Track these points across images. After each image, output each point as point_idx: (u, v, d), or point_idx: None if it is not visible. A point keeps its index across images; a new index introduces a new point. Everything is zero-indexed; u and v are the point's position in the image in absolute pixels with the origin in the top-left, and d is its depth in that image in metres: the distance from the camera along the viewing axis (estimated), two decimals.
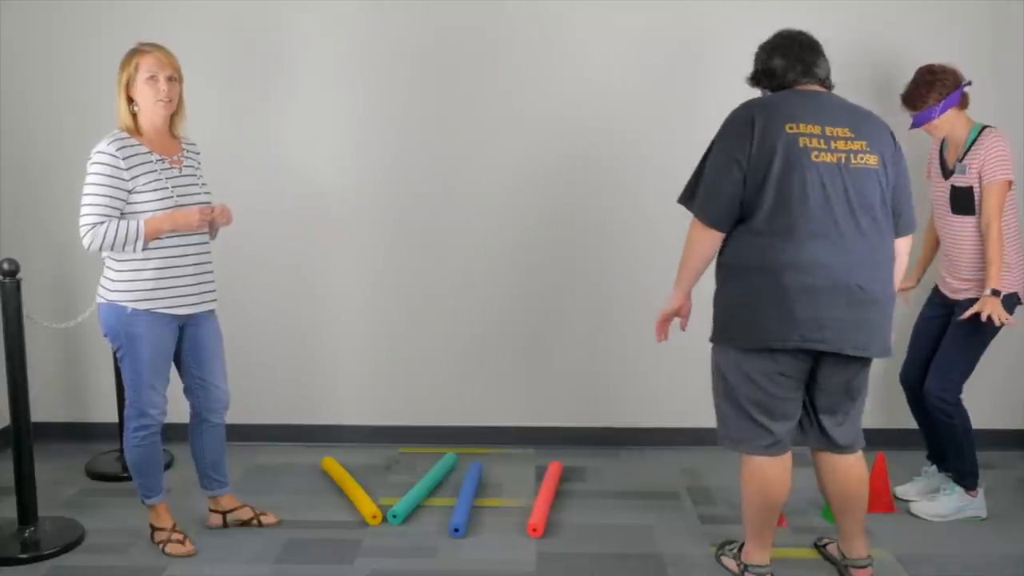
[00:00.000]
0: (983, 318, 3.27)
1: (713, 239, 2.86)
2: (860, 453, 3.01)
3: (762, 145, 2.74)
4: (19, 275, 3.31)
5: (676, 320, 3.14)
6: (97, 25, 4.10)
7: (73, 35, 4.13)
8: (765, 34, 3.01)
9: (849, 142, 2.77)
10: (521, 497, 3.78)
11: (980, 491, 3.57)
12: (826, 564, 3.22)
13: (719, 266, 2.91)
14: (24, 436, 3.36)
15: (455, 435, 4.33)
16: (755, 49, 3.01)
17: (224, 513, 3.49)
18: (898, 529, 3.46)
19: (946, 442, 3.57)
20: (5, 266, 3.27)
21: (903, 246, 2.93)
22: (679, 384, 4.28)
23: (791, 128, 2.75)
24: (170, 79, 3.12)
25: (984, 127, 3.42)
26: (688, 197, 2.91)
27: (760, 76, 2.98)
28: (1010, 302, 3.41)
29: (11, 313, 3.29)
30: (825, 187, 2.72)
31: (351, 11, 4.11)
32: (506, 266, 4.25)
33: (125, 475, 3.92)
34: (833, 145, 2.76)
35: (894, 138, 2.90)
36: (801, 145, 2.74)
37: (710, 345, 2.98)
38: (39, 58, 4.16)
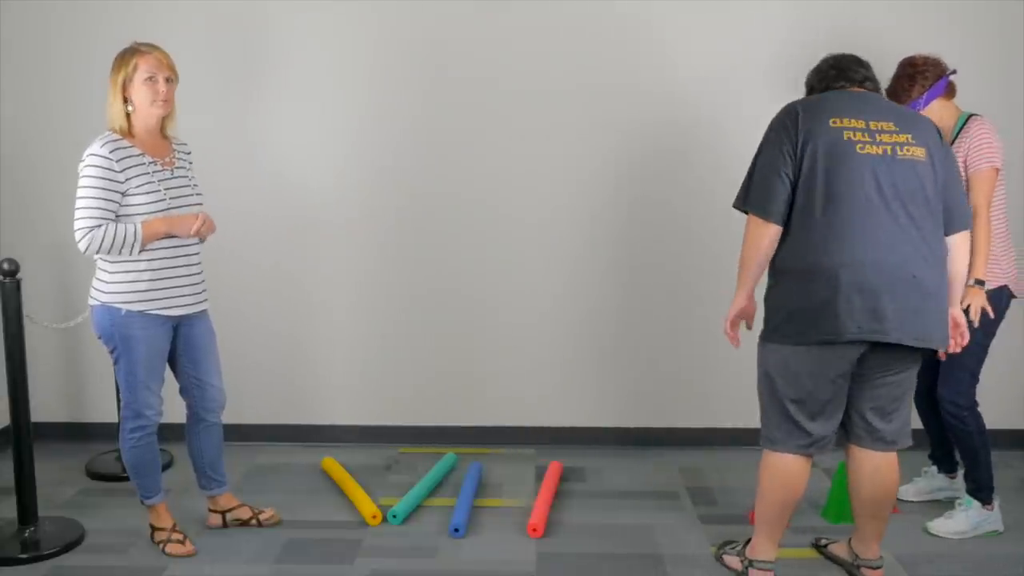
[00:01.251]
0: (971, 313, 3.22)
1: (771, 234, 2.84)
2: (896, 455, 2.98)
3: (807, 140, 2.76)
4: (19, 275, 3.31)
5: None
6: (96, 26, 4.10)
7: (72, 36, 4.13)
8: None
9: (894, 135, 2.78)
10: (521, 497, 3.78)
11: (996, 503, 3.50)
12: (828, 564, 3.22)
13: (771, 270, 2.89)
14: (24, 436, 3.36)
15: (455, 435, 4.33)
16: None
17: (223, 512, 3.49)
18: (898, 529, 3.46)
19: (961, 451, 3.50)
20: (5, 266, 3.27)
21: (961, 241, 2.90)
22: (679, 384, 4.28)
23: (835, 122, 2.77)
24: (167, 80, 3.12)
25: (971, 116, 3.40)
26: (743, 199, 2.92)
27: (808, 94, 3.05)
28: (1000, 296, 3.37)
29: (11, 313, 3.30)
30: (875, 179, 2.73)
31: (345, 13, 4.10)
32: (506, 266, 4.25)
33: (125, 475, 3.90)
34: (878, 138, 2.77)
35: (941, 136, 2.91)
36: (846, 138, 2.75)
37: (757, 343, 2.95)
38: (38, 58, 4.16)
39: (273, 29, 4.12)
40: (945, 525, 3.47)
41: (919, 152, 2.79)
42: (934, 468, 3.72)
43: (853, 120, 2.79)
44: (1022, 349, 4.22)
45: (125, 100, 3.10)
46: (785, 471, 2.92)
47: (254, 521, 3.49)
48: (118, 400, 4.03)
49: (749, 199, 2.88)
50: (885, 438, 2.94)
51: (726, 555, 3.20)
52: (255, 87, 4.17)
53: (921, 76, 3.36)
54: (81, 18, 4.12)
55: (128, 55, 3.10)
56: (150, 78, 3.08)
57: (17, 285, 3.31)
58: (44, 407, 4.09)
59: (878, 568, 3.06)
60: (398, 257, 4.26)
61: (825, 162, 2.74)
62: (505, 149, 4.17)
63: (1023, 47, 4.03)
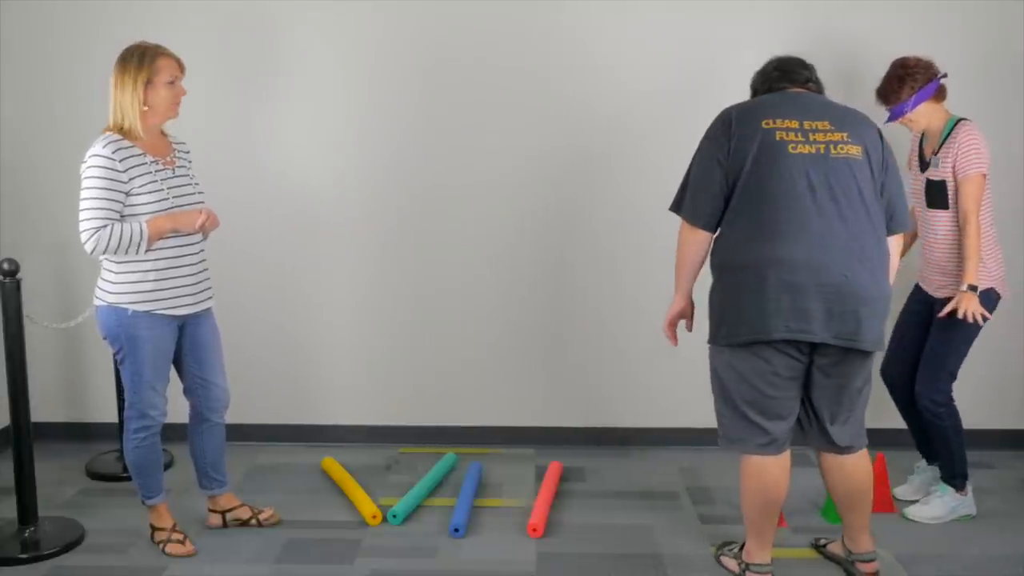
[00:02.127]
0: (959, 315, 3.25)
1: (701, 240, 2.92)
2: (864, 450, 3.00)
3: (740, 143, 2.80)
4: (19, 275, 3.31)
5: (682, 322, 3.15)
6: (97, 25, 4.10)
7: (72, 35, 4.13)
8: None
9: (828, 133, 2.81)
10: (521, 497, 3.78)
11: (969, 488, 3.56)
12: (827, 564, 3.22)
13: (711, 267, 2.94)
14: (24, 436, 3.36)
15: (455, 435, 4.33)
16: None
17: (223, 512, 3.49)
18: (898, 529, 3.46)
19: (937, 443, 3.55)
20: (5, 266, 3.27)
21: (893, 246, 2.92)
22: (679, 384, 4.27)
23: (767, 123, 2.82)
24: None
25: (960, 120, 3.40)
26: (678, 203, 2.97)
27: (753, 96, 3.08)
28: (988, 298, 3.39)
29: (11, 313, 3.30)
30: (806, 177, 2.75)
31: (348, 12, 4.10)
32: (507, 267, 4.25)
33: (125, 475, 3.92)
34: (811, 137, 2.79)
35: (882, 136, 2.92)
36: (778, 138, 2.79)
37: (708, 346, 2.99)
38: (38, 58, 4.16)
39: (275, 29, 4.12)
40: (922, 511, 3.54)
41: (854, 150, 2.80)
42: (923, 462, 3.74)
43: (787, 121, 2.82)
44: (1020, 349, 4.21)
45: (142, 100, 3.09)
46: (761, 474, 2.93)
47: (254, 521, 3.49)
48: (118, 400, 4.04)
49: (682, 205, 2.95)
50: (838, 443, 2.94)
51: (724, 557, 3.20)
52: (257, 87, 4.17)
53: (911, 78, 3.36)
54: (81, 18, 4.12)
55: (149, 56, 3.07)
56: (172, 82, 3.09)
57: (17, 285, 3.31)
58: (44, 407, 4.09)
59: (871, 561, 3.07)
60: (399, 256, 4.26)
61: (756, 163, 2.77)
62: (508, 149, 4.17)
63: (1022, 48, 4.03)
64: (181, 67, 3.15)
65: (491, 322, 4.29)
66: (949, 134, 3.38)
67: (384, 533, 3.48)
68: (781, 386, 2.83)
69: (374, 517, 3.52)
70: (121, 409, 4.06)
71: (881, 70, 3.47)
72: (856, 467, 2.98)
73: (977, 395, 4.24)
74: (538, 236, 4.23)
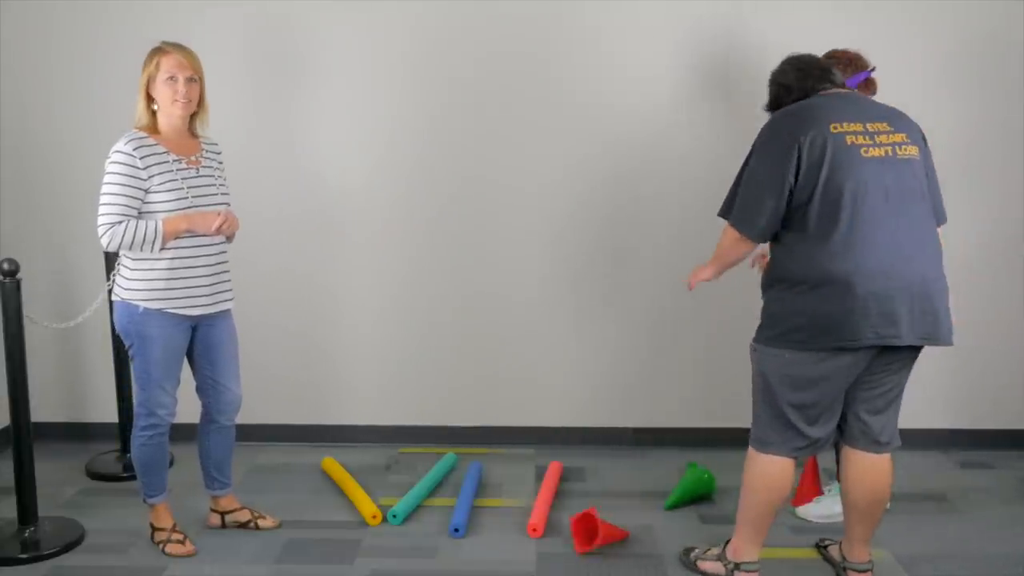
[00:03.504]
0: None
1: (749, 249, 2.91)
2: (890, 455, 2.98)
3: (812, 149, 2.71)
4: (19, 275, 3.31)
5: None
6: (97, 26, 4.10)
7: (72, 35, 4.13)
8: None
9: (891, 135, 2.77)
10: (521, 497, 3.79)
11: None
12: (823, 564, 3.22)
13: (776, 279, 2.86)
14: (24, 436, 3.36)
15: (455, 435, 4.34)
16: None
17: (223, 514, 3.49)
18: (898, 529, 3.46)
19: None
20: (5, 266, 3.27)
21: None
22: (679, 384, 4.28)
23: (836, 127, 2.74)
24: (190, 80, 3.12)
25: None
26: (728, 209, 2.90)
27: (779, 96, 2.98)
28: None
29: (11, 313, 3.29)
30: (881, 182, 2.71)
31: (375, 13, 4.08)
32: (507, 267, 4.25)
33: (125, 475, 3.92)
34: (878, 139, 2.75)
35: (923, 134, 2.91)
36: (848, 143, 2.72)
37: (751, 346, 2.96)
38: (38, 58, 4.16)
39: (301, 29, 4.09)
40: (810, 510, 3.54)
41: (914, 151, 2.79)
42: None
43: (851, 124, 2.75)
44: (1020, 349, 4.21)
45: (150, 99, 3.12)
46: (773, 473, 2.92)
47: (252, 525, 3.49)
48: (119, 400, 4.05)
49: (734, 212, 2.87)
50: (879, 438, 2.93)
51: (703, 561, 3.15)
52: (283, 86, 4.14)
53: (840, 66, 3.30)
54: (82, 18, 4.11)
55: (153, 54, 3.11)
56: (171, 78, 3.09)
57: (17, 285, 3.30)
58: (44, 407, 4.09)
59: (865, 571, 3.05)
60: (400, 257, 4.26)
61: (830, 169, 2.70)
62: (533, 153, 4.16)
63: (1022, 48, 4.04)
64: (184, 64, 3.11)
65: (492, 322, 4.29)
66: None
67: (384, 533, 3.48)
68: (839, 391, 2.82)
69: (374, 517, 3.52)
70: (121, 409, 4.07)
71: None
72: (882, 472, 2.96)
73: (977, 395, 4.25)
74: (543, 238, 4.22)
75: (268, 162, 4.17)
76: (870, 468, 2.96)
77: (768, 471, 2.93)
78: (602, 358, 4.29)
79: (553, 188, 4.18)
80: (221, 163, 3.31)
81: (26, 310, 3.36)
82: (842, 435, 2.98)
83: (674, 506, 3.64)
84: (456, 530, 3.42)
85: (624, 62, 4.08)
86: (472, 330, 4.30)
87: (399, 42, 4.11)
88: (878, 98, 3.43)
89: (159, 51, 3.12)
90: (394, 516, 3.52)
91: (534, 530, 3.42)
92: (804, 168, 2.71)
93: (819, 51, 3.45)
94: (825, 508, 3.52)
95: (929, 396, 4.22)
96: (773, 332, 2.85)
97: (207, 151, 3.25)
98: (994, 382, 4.24)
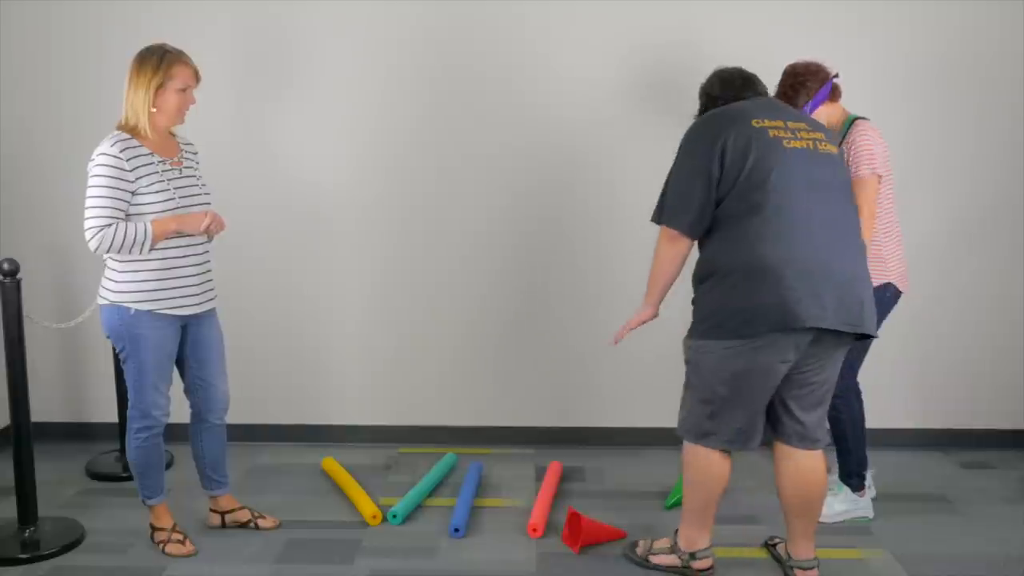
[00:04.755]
0: None
1: (683, 250, 2.94)
2: (822, 452, 3.04)
3: (735, 143, 2.78)
4: (19, 275, 3.31)
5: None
6: (98, 25, 4.10)
7: (73, 35, 4.13)
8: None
9: (810, 132, 2.88)
10: (521, 497, 3.79)
11: (868, 491, 3.55)
12: (829, 565, 3.22)
13: (707, 272, 2.89)
14: (24, 436, 3.36)
15: (455, 435, 4.34)
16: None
17: (223, 514, 3.49)
18: (898, 529, 3.47)
19: (834, 437, 3.51)
20: (5, 266, 3.27)
21: None
22: (679, 385, 4.26)
23: (757, 123, 2.83)
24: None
25: (856, 119, 3.41)
26: (659, 213, 2.96)
27: (707, 105, 3.08)
28: (884, 293, 3.37)
29: (11, 313, 3.30)
30: (805, 172, 2.79)
31: (356, 17, 4.09)
32: (507, 267, 4.25)
33: (125, 475, 3.92)
34: (799, 135, 2.85)
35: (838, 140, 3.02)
36: (771, 135, 2.81)
37: (685, 340, 3.00)
38: (38, 58, 4.16)
39: (281, 30, 4.11)
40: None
41: (833, 149, 2.91)
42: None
43: (773, 121, 2.85)
44: (1022, 349, 4.22)
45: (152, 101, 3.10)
46: (711, 463, 2.99)
47: (252, 524, 3.49)
48: (119, 400, 4.04)
49: (666, 215, 2.92)
50: (814, 435, 2.99)
51: (656, 555, 3.19)
52: (265, 87, 4.15)
53: (804, 85, 3.37)
54: (81, 18, 4.11)
55: (166, 61, 3.08)
56: (184, 89, 3.11)
57: (17, 285, 3.31)
58: (44, 407, 4.09)
59: (810, 569, 3.08)
60: (398, 257, 4.26)
61: (756, 157, 2.77)
62: (515, 155, 4.16)
63: (1023, 49, 4.04)
64: (197, 77, 3.15)
65: (492, 322, 4.29)
66: (845, 133, 3.40)
67: (384, 533, 3.48)
68: (772, 381, 2.85)
69: (374, 517, 3.52)
70: (121, 409, 4.07)
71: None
72: (814, 469, 3.01)
73: (977, 395, 4.26)
74: (541, 237, 4.23)
75: (249, 164, 4.17)
76: (805, 465, 3.01)
77: (705, 462, 2.99)
78: (602, 358, 4.29)
79: (553, 187, 4.19)
80: (198, 163, 3.31)
81: (26, 310, 3.36)
82: (777, 435, 3.03)
83: (674, 506, 3.63)
84: (456, 530, 3.42)
85: (604, 64, 4.10)
86: (473, 330, 4.30)
87: (376, 47, 4.11)
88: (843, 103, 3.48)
89: (175, 60, 3.09)
90: (394, 516, 3.52)
91: (534, 530, 3.43)
92: (729, 159, 2.78)
93: (784, 57, 3.49)
94: (827, 507, 3.50)
95: (929, 396, 4.23)
96: (706, 325, 2.90)
97: (185, 151, 3.25)
98: (994, 382, 4.24)
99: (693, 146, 2.88)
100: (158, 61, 3.07)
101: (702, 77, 3.10)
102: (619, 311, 4.23)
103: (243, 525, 3.49)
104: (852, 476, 3.53)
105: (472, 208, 4.21)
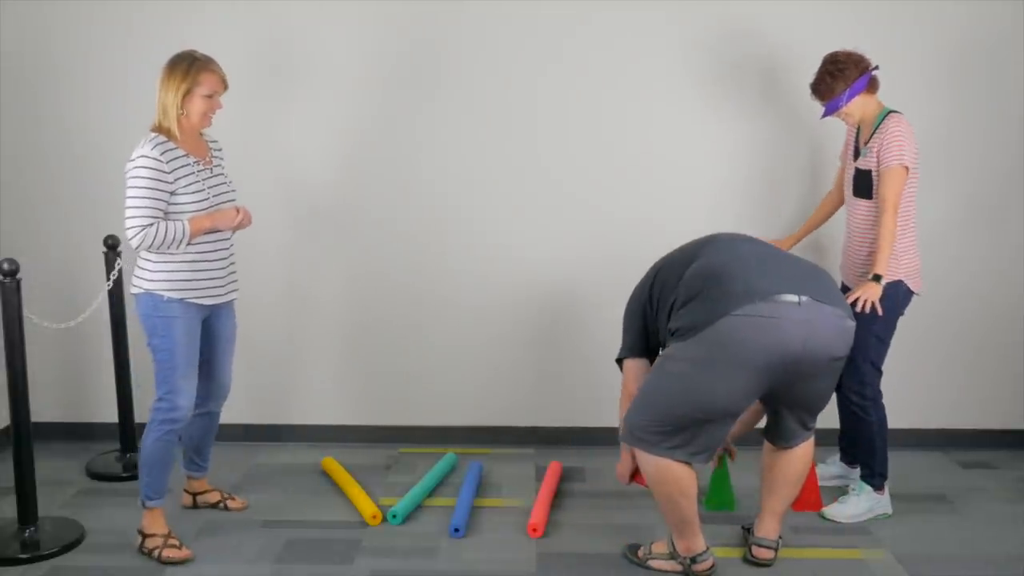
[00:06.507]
0: (850, 299, 3.20)
1: (641, 366, 3.22)
2: (811, 439, 3.17)
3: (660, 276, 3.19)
4: (19, 275, 3.31)
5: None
6: (99, 26, 4.10)
7: (74, 36, 4.12)
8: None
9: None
10: (521, 497, 3.79)
11: (887, 489, 3.58)
12: (842, 566, 3.22)
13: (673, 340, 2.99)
14: (24, 436, 3.36)
15: (455, 435, 4.34)
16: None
17: (195, 495, 3.63)
18: (898, 529, 3.47)
19: (860, 440, 3.56)
20: (5, 266, 3.27)
21: None
22: None
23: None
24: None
25: (891, 112, 3.43)
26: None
27: None
28: (896, 291, 3.39)
29: (11, 313, 3.29)
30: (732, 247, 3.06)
31: (356, 17, 4.09)
32: (506, 266, 4.25)
33: (125, 475, 3.93)
34: None
35: None
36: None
37: (657, 362, 3.09)
38: (38, 58, 4.16)
39: (283, 32, 4.11)
40: (840, 510, 3.55)
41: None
42: (837, 456, 3.81)
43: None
44: (1022, 349, 4.21)
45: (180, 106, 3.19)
46: (679, 477, 2.99)
47: (222, 505, 3.61)
48: (119, 400, 4.05)
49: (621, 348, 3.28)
50: (794, 443, 3.14)
51: (655, 560, 3.19)
52: (262, 89, 4.14)
53: (844, 73, 3.37)
54: (81, 18, 4.11)
55: (196, 67, 3.17)
56: (210, 95, 3.20)
57: (17, 285, 3.30)
58: (44, 407, 4.09)
59: (767, 548, 3.16)
60: (399, 258, 4.26)
61: (689, 260, 3.05)
62: (509, 154, 4.17)
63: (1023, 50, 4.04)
64: (224, 84, 3.25)
65: (491, 322, 4.29)
66: (879, 125, 3.41)
67: (384, 533, 3.48)
68: (748, 399, 2.92)
69: (374, 517, 3.52)
70: (122, 409, 4.08)
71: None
72: (807, 453, 3.16)
73: (977, 395, 4.25)
74: (541, 236, 4.22)
75: (249, 164, 4.14)
76: (796, 454, 3.15)
77: (676, 476, 2.99)
78: (602, 358, 4.28)
79: (553, 187, 4.19)
80: (223, 160, 3.41)
81: (26, 310, 3.36)
82: (778, 438, 3.13)
83: (715, 508, 3.63)
84: (456, 530, 3.42)
85: (604, 64, 4.09)
86: (473, 330, 4.30)
87: (376, 52, 4.11)
88: (880, 95, 3.47)
89: (204, 67, 3.19)
90: (394, 516, 3.52)
91: (534, 530, 3.43)
92: (650, 289, 3.18)
93: (821, 50, 3.49)
94: (852, 508, 3.54)
95: (929, 396, 4.23)
96: (679, 338, 2.96)
97: (213, 150, 3.37)
98: (994, 382, 4.24)
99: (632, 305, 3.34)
100: (187, 67, 3.17)
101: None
102: (619, 311, 4.25)
103: (213, 506, 3.62)
104: (875, 476, 3.54)
105: (472, 208, 4.21)
